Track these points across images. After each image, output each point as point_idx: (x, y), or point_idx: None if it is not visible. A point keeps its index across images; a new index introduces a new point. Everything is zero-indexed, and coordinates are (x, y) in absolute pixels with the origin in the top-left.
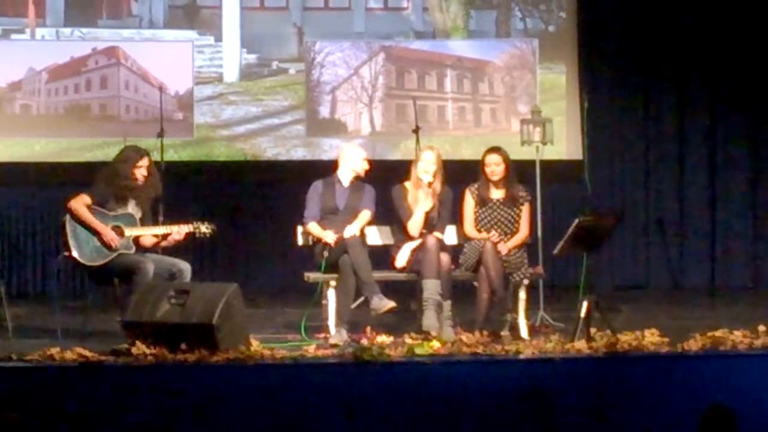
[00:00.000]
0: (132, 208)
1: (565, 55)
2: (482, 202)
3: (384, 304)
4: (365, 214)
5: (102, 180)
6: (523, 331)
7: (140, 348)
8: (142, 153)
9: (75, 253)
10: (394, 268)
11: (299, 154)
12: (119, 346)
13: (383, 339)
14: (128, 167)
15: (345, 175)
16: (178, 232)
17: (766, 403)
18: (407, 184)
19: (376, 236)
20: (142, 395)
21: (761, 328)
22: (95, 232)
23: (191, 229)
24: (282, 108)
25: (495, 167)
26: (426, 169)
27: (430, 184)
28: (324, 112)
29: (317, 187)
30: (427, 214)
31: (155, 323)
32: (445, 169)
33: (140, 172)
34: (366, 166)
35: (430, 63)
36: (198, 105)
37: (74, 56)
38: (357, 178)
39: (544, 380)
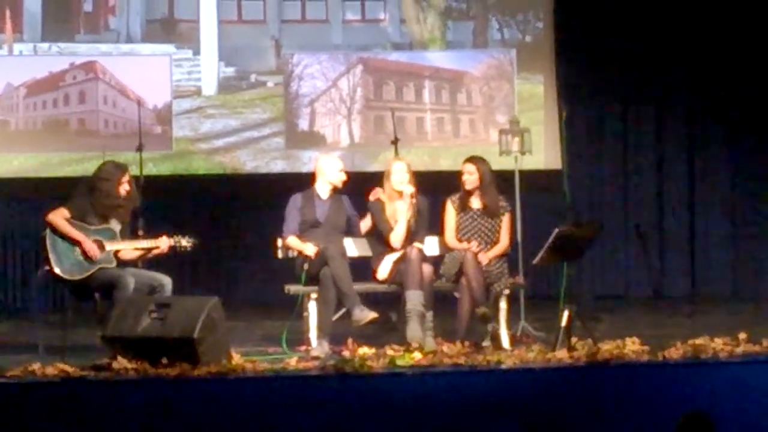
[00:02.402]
0: (112, 222)
1: (543, 65)
2: (462, 210)
3: (365, 315)
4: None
5: (81, 194)
6: (505, 341)
7: (121, 362)
8: (123, 169)
9: (55, 268)
10: (375, 280)
11: (279, 166)
12: (100, 361)
13: (365, 351)
14: (112, 185)
15: (323, 188)
16: (157, 245)
17: (746, 411)
18: (382, 197)
19: (353, 248)
20: (124, 410)
21: (741, 335)
22: (76, 244)
23: (172, 243)
24: (261, 121)
25: (468, 176)
26: (401, 180)
27: (412, 195)
28: (303, 124)
29: (296, 200)
30: (407, 224)
31: (136, 337)
32: (420, 179)
33: (124, 188)
34: (343, 177)
35: (408, 74)
36: (177, 118)
37: (52, 71)
38: (335, 189)
39: (526, 390)
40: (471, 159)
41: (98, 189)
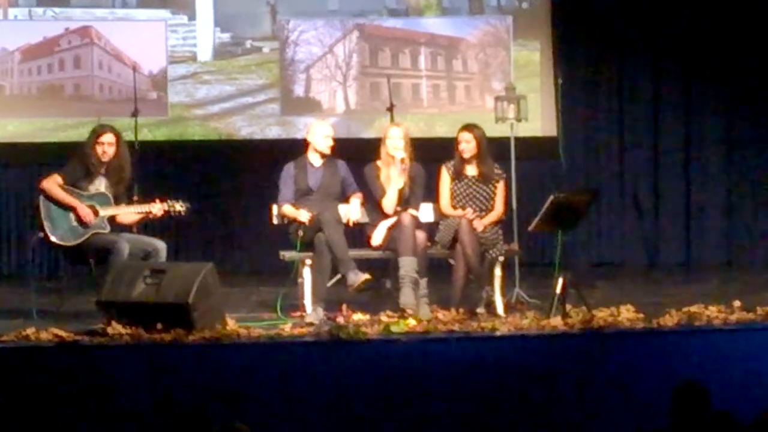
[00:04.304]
0: (104, 187)
1: (539, 32)
2: (457, 177)
3: (359, 277)
4: (357, 200)
5: (73, 160)
6: (499, 308)
7: (116, 328)
8: (104, 129)
9: (49, 234)
10: (370, 246)
11: (274, 132)
12: (95, 326)
13: (359, 317)
14: (89, 144)
15: (314, 155)
16: (150, 210)
17: (740, 378)
18: (378, 162)
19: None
20: (118, 375)
21: (736, 303)
22: (70, 209)
23: (166, 208)
24: (256, 87)
25: (466, 144)
26: (395, 145)
27: (403, 160)
28: (298, 90)
29: (289, 169)
30: (400, 191)
31: (131, 303)
32: (416, 146)
33: (101, 148)
34: (330, 143)
35: (404, 41)
36: (172, 84)
37: (47, 36)
38: (325, 155)
39: (520, 357)
40: (467, 127)
41: (82, 150)
